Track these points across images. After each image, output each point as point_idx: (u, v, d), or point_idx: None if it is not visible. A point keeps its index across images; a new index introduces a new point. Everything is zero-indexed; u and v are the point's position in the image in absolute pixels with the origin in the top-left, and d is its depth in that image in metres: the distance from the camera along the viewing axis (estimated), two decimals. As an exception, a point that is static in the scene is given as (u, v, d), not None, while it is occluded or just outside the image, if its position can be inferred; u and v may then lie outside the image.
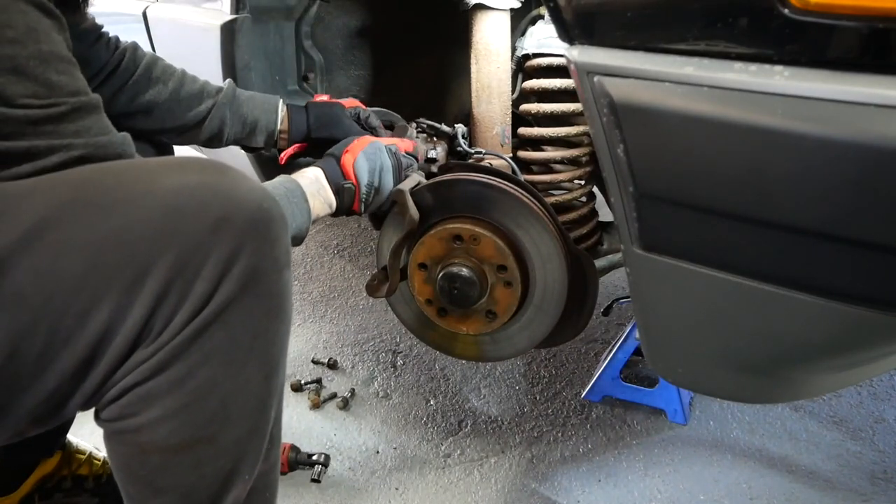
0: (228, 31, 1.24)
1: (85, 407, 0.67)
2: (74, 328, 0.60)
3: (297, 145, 1.22)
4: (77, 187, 0.62)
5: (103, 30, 1.12)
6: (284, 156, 1.22)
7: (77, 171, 0.65)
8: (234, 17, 1.24)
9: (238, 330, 0.65)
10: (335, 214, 1.08)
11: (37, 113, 0.65)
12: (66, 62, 0.69)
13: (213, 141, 1.19)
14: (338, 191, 1.04)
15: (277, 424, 0.77)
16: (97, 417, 0.69)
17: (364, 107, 1.27)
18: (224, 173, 0.65)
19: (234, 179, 0.65)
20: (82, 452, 1.22)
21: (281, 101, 1.20)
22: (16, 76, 0.64)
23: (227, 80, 1.20)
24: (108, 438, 0.69)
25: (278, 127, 1.20)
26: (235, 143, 1.21)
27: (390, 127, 1.30)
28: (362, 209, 1.09)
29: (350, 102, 1.26)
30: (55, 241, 0.59)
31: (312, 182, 1.03)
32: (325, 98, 1.26)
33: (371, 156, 1.07)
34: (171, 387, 0.63)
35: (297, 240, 0.97)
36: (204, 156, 0.89)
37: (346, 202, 1.06)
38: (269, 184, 0.98)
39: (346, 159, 1.06)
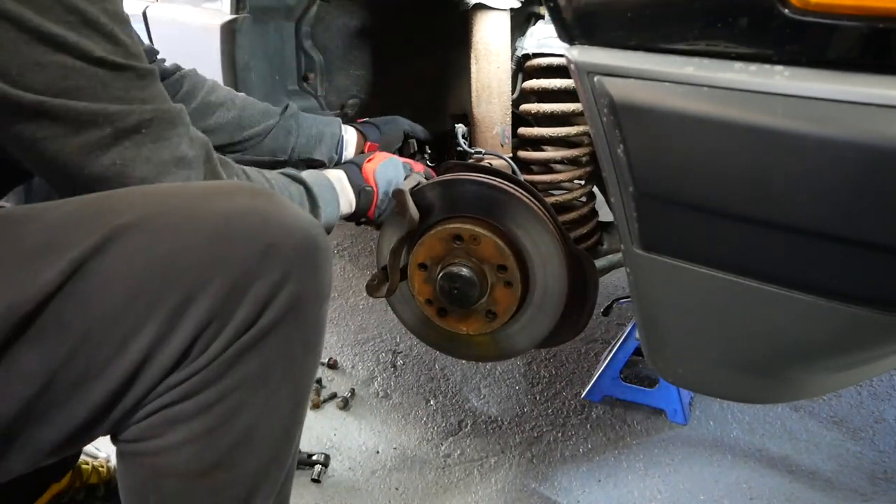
0: (228, 31, 1.24)
1: (109, 433, 0.64)
2: (112, 357, 0.57)
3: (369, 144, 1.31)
4: (123, 212, 0.60)
5: (158, 56, 1.15)
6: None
7: (123, 193, 0.63)
8: (234, 17, 1.24)
9: (274, 357, 0.63)
10: (351, 217, 1.12)
11: (109, 75, 0.63)
12: (128, 24, 0.67)
13: (278, 153, 1.22)
14: (358, 192, 1.09)
15: (294, 459, 0.74)
16: (114, 437, 0.65)
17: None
18: (272, 199, 0.64)
19: (283, 206, 0.64)
20: (87, 463, 1.22)
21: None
22: (88, 29, 0.61)
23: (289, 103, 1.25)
24: (123, 458, 0.66)
25: (342, 134, 1.27)
26: (300, 155, 1.24)
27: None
28: (376, 215, 1.13)
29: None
30: (100, 270, 0.57)
31: (337, 180, 1.07)
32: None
33: (390, 168, 1.14)
34: (199, 410, 0.60)
35: (327, 229, 1.01)
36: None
37: (363, 205, 1.11)
38: (305, 174, 1.00)
39: (368, 167, 1.12)
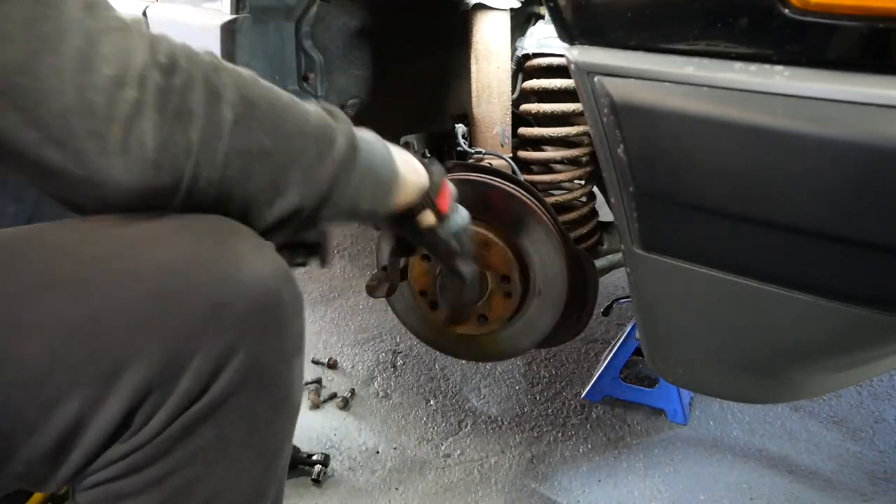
0: (228, 31, 1.24)
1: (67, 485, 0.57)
2: (39, 418, 0.51)
3: None
4: (48, 261, 0.52)
5: None
6: None
7: (49, 237, 0.55)
8: (234, 17, 1.24)
9: (232, 428, 0.55)
10: (412, 211, 0.82)
11: None
12: None
13: None
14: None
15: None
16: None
17: None
18: (225, 243, 0.54)
19: (238, 251, 0.54)
20: None
21: None
22: None
23: None
24: None
25: None
26: None
27: None
28: (435, 232, 0.87)
29: None
30: (17, 325, 0.50)
31: (403, 155, 0.81)
32: None
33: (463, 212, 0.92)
34: (147, 485, 0.54)
35: (372, 216, 0.78)
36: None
37: (427, 203, 0.83)
38: (359, 131, 0.74)
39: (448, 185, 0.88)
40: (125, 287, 0.51)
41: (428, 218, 0.84)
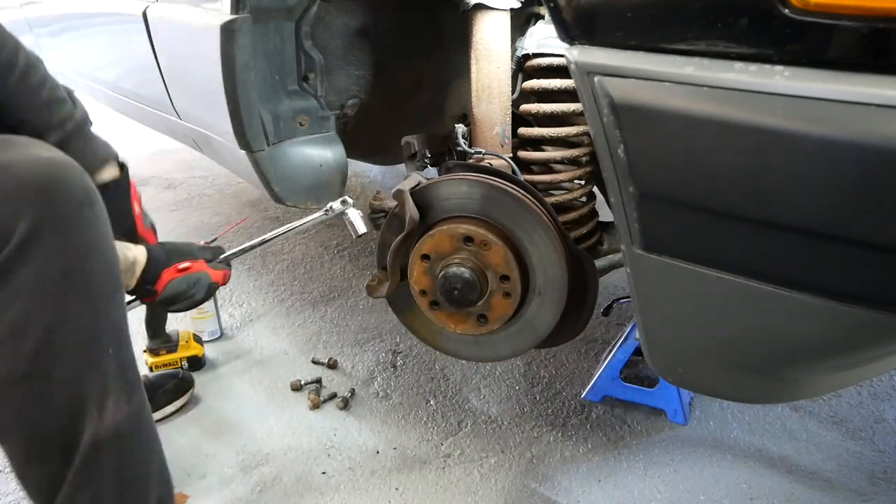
0: (228, 31, 1.24)
1: None
2: None
3: None
4: None
5: None
6: None
7: None
8: (234, 17, 1.24)
9: (44, 266, 0.71)
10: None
11: None
12: None
13: None
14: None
15: (132, 369, 0.83)
16: None
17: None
18: (4, 145, 0.75)
19: (15, 155, 0.74)
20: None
21: None
22: None
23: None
24: None
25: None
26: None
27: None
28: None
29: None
30: None
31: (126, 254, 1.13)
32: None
33: (185, 284, 1.24)
34: None
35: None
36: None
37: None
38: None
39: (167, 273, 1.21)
40: None
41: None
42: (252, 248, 1.50)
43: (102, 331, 0.78)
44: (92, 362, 0.77)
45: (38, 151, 0.75)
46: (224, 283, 1.37)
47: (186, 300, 1.26)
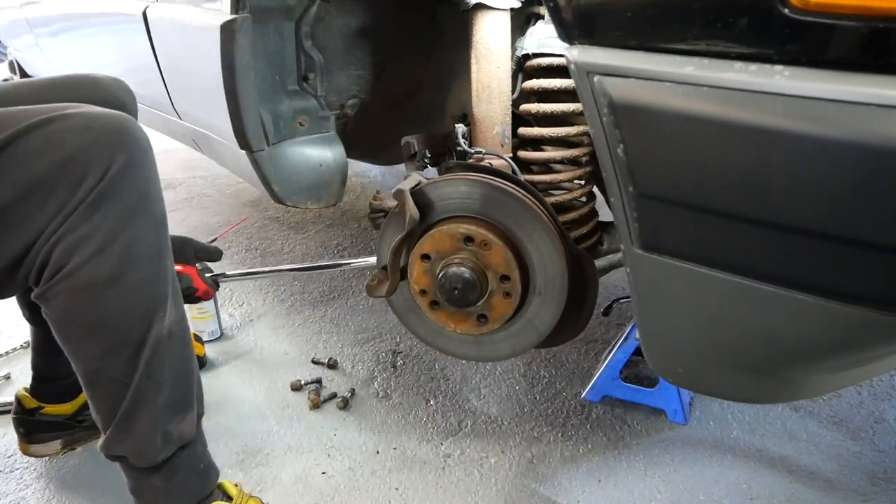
0: (228, 31, 1.24)
1: (24, 289, 0.92)
2: (33, 213, 0.86)
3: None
4: (22, 119, 0.86)
5: None
6: None
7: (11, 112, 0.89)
8: (233, 17, 1.24)
9: (126, 195, 0.89)
10: None
11: None
12: None
13: None
14: None
15: (176, 281, 1.02)
16: (34, 296, 0.92)
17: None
18: (86, 106, 0.92)
19: (94, 108, 0.92)
20: None
21: None
22: None
23: None
24: (47, 299, 0.91)
25: None
26: None
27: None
28: None
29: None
30: (17, 153, 0.85)
31: None
32: None
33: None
34: (85, 238, 0.87)
35: None
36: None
37: None
38: None
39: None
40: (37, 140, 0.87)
41: None
42: (248, 275, 1.60)
43: (163, 247, 0.97)
44: (159, 272, 0.96)
45: (107, 110, 0.92)
46: (206, 299, 1.50)
47: None
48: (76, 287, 0.89)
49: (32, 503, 1.31)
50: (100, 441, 1.03)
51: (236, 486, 1.16)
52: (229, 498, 1.12)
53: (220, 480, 1.14)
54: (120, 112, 0.94)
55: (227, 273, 1.58)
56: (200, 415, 1.09)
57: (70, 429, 1.42)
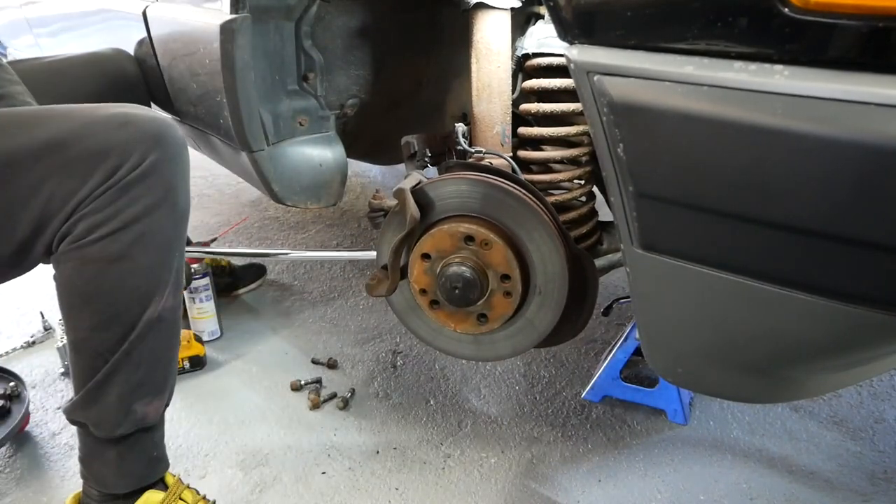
0: (228, 30, 1.24)
1: (44, 255, 0.98)
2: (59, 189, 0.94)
3: None
4: (49, 121, 0.97)
5: None
6: None
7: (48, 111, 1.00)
8: (233, 16, 1.24)
9: (154, 187, 0.96)
10: None
11: None
12: None
13: None
14: None
15: (181, 273, 1.06)
16: (52, 259, 0.97)
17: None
18: (133, 107, 1.01)
19: (138, 109, 1.00)
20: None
21: None
22: None
23: None
24: (59, 262, 0.97)
25: None
26: None
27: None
28: None
29: None
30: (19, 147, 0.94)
31: None
32: None
33: None
34: (108, 218, 0.94)
35: None
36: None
37: None
38: None
39: None
40: (96, 120, 0.97)
41: None
42: (229, 255, 1.64)
43: (177, 239, 1.03)
44: (165, 260, 1.01)
45: (149, 111, 1.00)
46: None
47: None
48: (85, 258, 0.95)
49: None
50: (64, 403, 1.06)
51: (174, 476, 1.16)
52: (166, 486, 1.14)
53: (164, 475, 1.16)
54: (161, 115, 1.03)
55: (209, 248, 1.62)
56: (167, 405, 1.12)
57: None
